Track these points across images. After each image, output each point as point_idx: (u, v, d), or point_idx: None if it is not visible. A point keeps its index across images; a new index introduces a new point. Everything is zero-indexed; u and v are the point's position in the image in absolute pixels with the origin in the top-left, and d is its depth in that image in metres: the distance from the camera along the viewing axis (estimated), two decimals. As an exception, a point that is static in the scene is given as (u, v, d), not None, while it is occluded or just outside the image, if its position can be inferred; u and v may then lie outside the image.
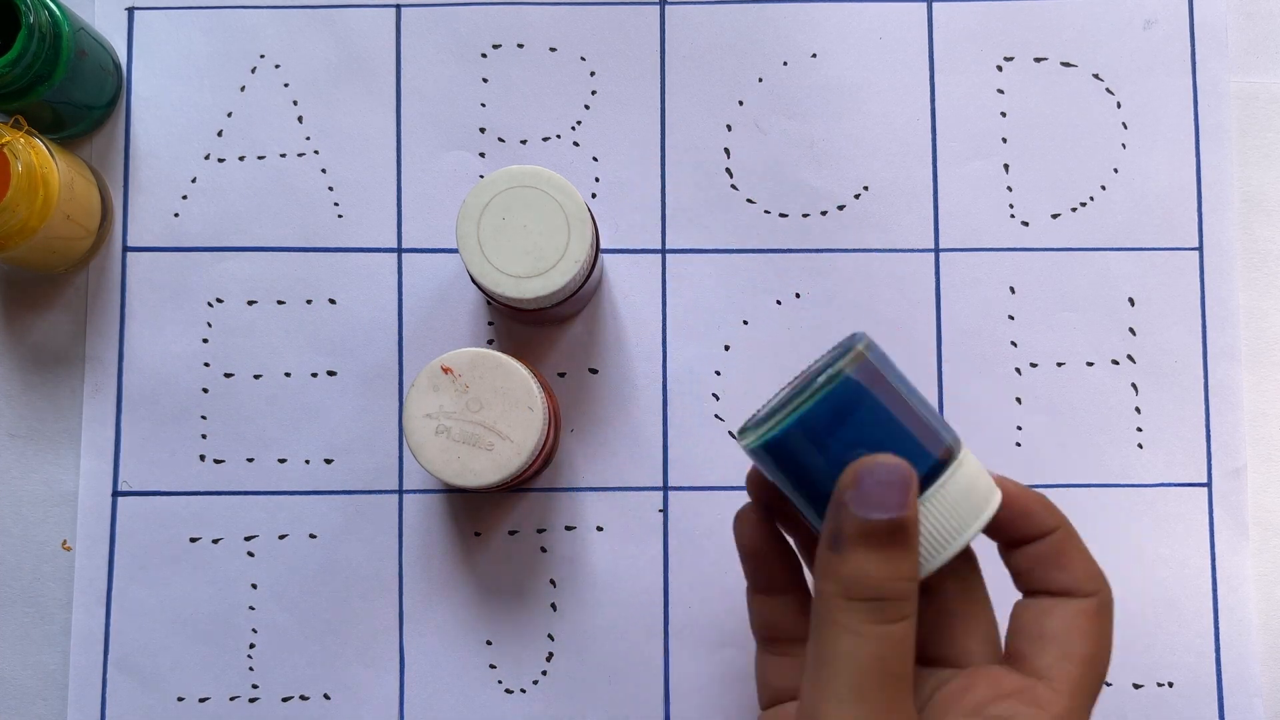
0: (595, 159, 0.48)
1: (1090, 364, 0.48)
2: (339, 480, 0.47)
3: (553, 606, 0.47)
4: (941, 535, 0.29)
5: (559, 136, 0.48)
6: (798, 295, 0.48)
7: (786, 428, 0.29)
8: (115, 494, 0.47)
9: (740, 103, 0.48)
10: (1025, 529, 0.32)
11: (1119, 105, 0.48)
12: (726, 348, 0.48)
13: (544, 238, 0.40)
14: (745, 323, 0.48)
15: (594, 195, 0.48)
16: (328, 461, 0.47)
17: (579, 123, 0.48)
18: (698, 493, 0.47)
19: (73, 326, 0.48)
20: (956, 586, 0.32)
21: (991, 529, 0.32)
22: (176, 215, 0.48)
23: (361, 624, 0.46)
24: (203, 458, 0.47)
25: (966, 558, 0.33)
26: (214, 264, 0.48)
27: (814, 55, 0.48)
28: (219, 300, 0.48)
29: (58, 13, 0.43)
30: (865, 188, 0.48)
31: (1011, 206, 0.48)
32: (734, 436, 0.30)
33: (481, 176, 0.48)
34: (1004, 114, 0.48)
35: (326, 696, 0.46)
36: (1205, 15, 0.48)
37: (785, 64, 0.48)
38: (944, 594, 0.32)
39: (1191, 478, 0.47)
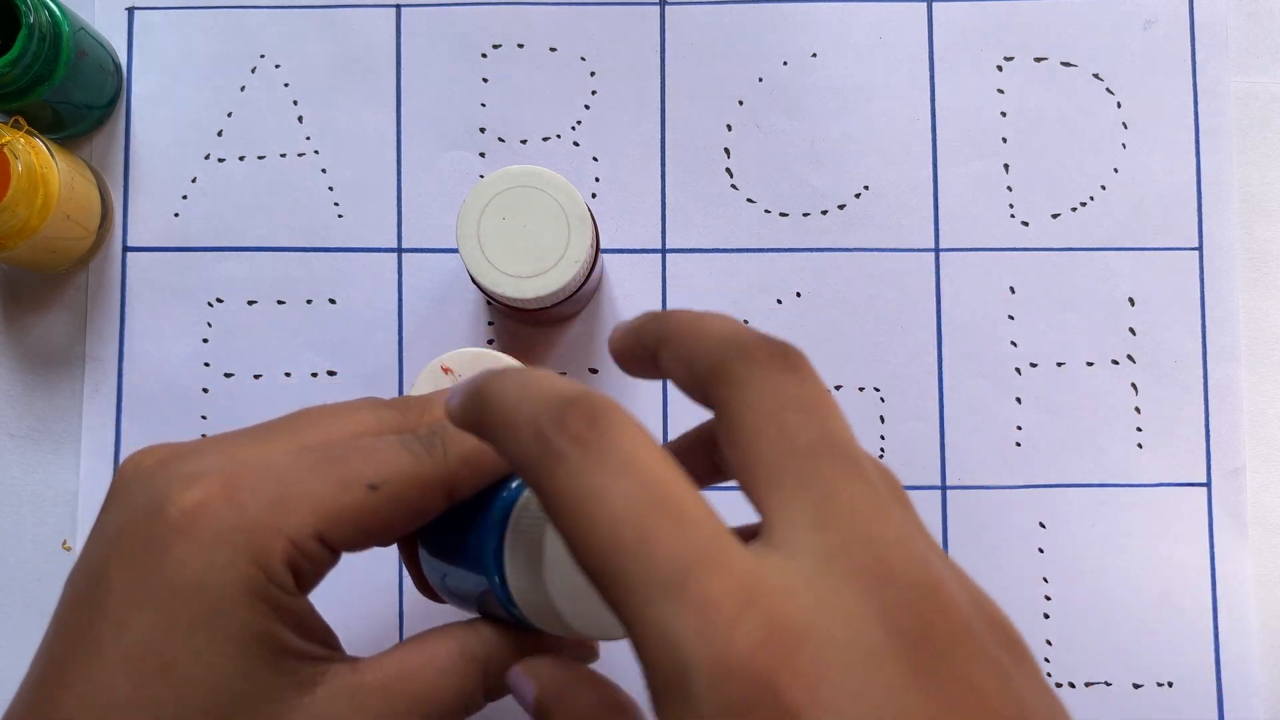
0: (595, 159, 0.48)
1: (1090, 364, 0.48)
2: (339, 480, 0.47)
3: (553, 606, 0.47)
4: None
5: (559, 136, 0.48)
6: (798, 295, 0.48)
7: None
8: (115, 494, 0.47)
9: (740, 103, 0.48)
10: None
11: (1119, 105, 0.48)
12: (726, 348, 0.47)
13: (544, 238, 0.40)
14: (745, 322, 0.48)
15: (594, 195, 0.48)
16: (328, 461, 0.47)
17: (579, 123, 0.48)
18: (698, 493, 0.47)
19: (73, 326, 0.48)
20: None
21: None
22: (176, 215, 0.48)
23: (362, 623, 0.46)
24: (203, 458, 0.47)
25: None
26: (214, 264, 0.48)
27: (814, 55, 0.48)
28: (219, 300, 0.48)
29: (58, 13, 0.43)
30: (865, 188, 0.48)
31: (1011, 206, 0.48)
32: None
33: (481, 176, 0.48)
34: (1004, 114, 0.48)
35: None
36: (1205, 15, 0.48)
37: (785, 64, 0.48)
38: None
39: (1191, 477, 0.47)
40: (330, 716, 0.26)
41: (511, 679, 0.26)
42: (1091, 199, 0.48)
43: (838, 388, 0.47)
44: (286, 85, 0.48)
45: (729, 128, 0.48)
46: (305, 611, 0.27)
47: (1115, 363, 0.48)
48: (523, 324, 0.48)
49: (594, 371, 0.47)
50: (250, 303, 0.48)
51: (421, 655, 0.28)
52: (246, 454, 0.27)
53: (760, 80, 0.48)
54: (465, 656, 0.28)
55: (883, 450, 0.47)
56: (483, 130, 0.48)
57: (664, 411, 0.47)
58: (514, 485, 0.28)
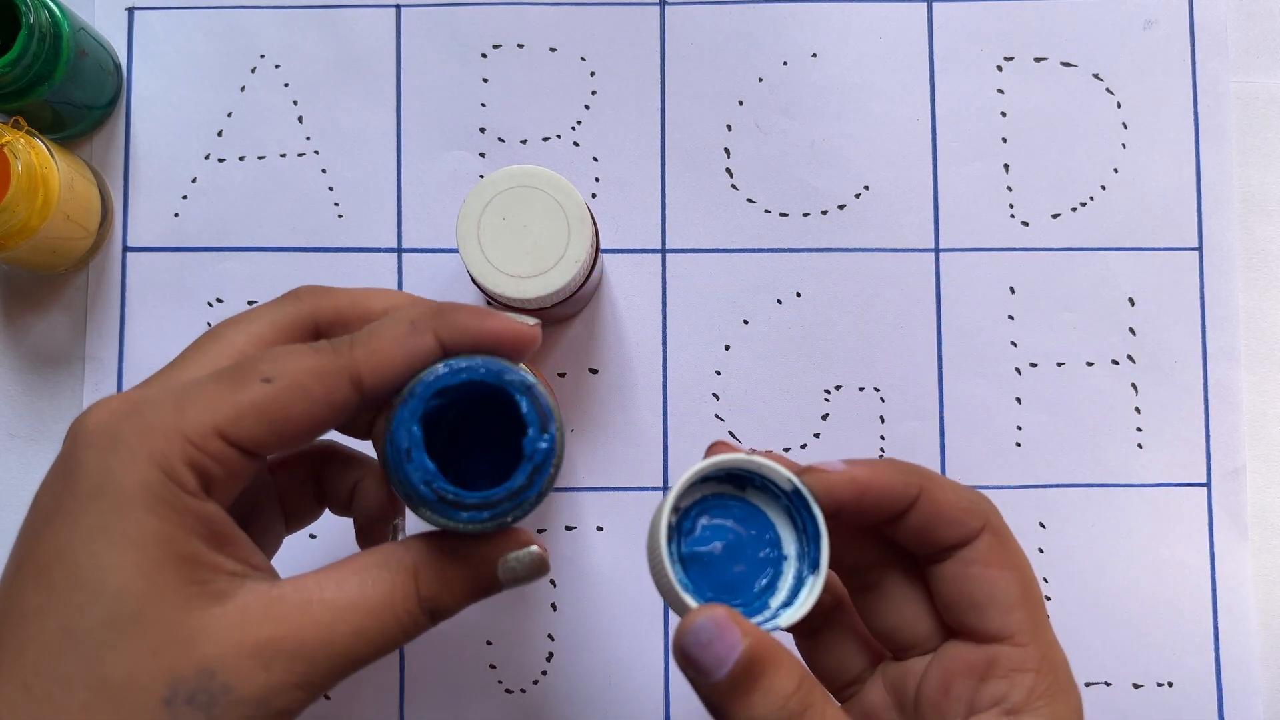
0: (595, 159, 0.48)
1: (1090, 364, 0.48)
2: (339, 480, 0.47)
3: (553, 606, 0.47)
4: None
5: (559, 136, 0.48)
6: (798, 295, 0.48)
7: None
8: (115, 494, 0.47)
9: (740, 103, 0.48)
10: (889, 509, 0.30)
11: (1119, 105, 0.48)
12: (726, 348, 0.48)
13: (544, 238, 0.40)
14: (745, 323, 0.48)
15: (594, 195, 0.48)
16: (328, 461, 0.47)
17: (579, 123, 0.48)
18: (698, 493, 0.47)
19: (73, 326, 0.48)
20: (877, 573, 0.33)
21: (856, 519, 0.31)
22: (176, 215, 0.48)
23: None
24: (203, 458, 0.47)
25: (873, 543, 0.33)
26: (214, 264, 0.48)
27: (814, 55, 0.48)
28: (219, 300, 0.48)
29: (58, 13, 0.43)
30: (865, 188, 0.48)
31: (1011, 206, 0.48)
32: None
33: (481, 176, 0.48)
34: (1004, 114, 0.48)
35: (327, 696, 0.46)
36: (1205, 15, 0.48)
37: (785, 64, 0.48)
38: (872, 579, 0.33)
39: (1191, 478, 0.47)
40: (242, 629, 0.26)
41: (708, 626, 0.27)
42: (1091, 199, 0.48)
43: (837, 388, 0.47)
44: (286, 85, 0.48)
45: (729, 128, 0.48)
46: (218, 521, 0.27)
47: (1115, 363, 0.48)
48: (523, 324, 0.48)
49: (594, 371, 0.47)
50: (250, 303, 0.48)
51: (344, 568, 0.28)
52: (159, 379, 0.29)
53: (760, 80, 0.48)
54: (391, 563, 0.28)
55: (883, 450, 0.47)
56: (483, 130, 0.48)
57: (664, 410, 0.47)
58: (425, 373, 0.28)
